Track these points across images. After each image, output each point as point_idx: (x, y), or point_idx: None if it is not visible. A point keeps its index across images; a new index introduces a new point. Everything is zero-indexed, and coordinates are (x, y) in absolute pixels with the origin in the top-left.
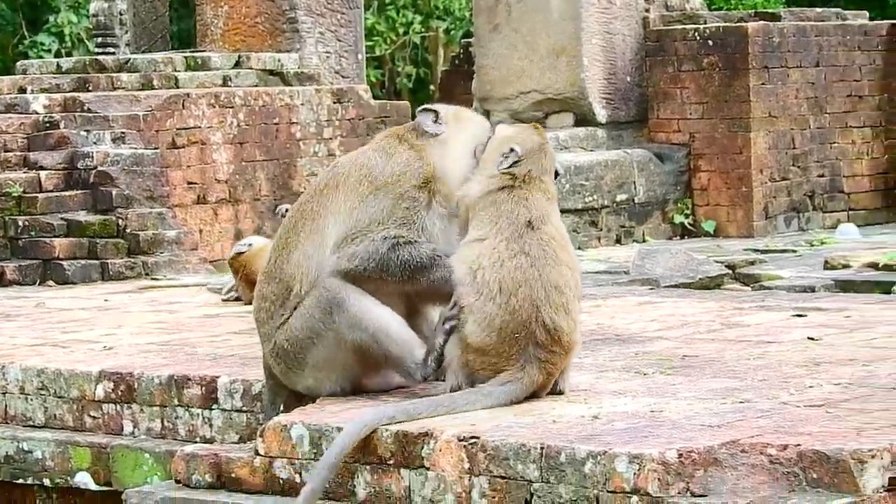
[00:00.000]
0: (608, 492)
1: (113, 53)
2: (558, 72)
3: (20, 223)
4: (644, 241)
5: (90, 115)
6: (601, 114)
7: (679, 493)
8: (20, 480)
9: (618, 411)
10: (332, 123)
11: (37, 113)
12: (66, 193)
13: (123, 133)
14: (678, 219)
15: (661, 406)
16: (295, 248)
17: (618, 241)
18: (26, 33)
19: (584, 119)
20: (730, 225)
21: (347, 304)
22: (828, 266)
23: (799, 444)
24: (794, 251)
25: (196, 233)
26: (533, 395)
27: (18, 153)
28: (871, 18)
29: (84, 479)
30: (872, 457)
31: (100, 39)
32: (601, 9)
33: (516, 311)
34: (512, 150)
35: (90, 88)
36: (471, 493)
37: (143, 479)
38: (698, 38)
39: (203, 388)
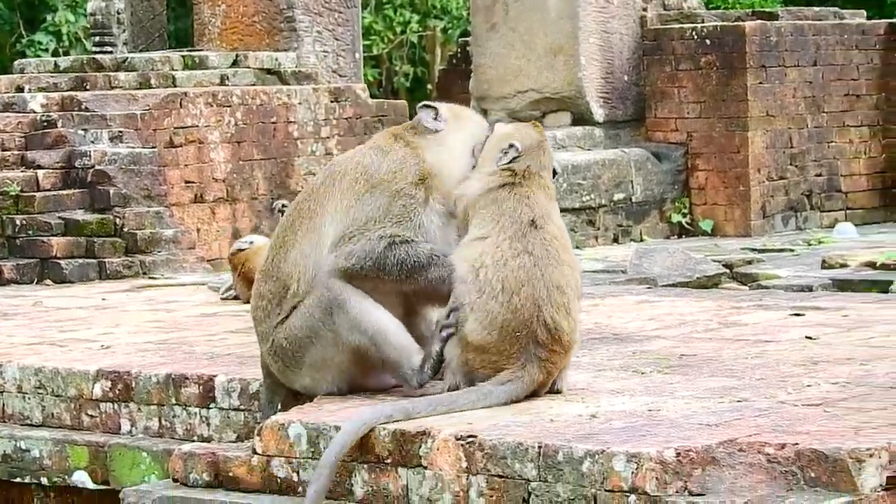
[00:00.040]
0: (606, 491)
1: (110, 52)
2: (556, 71)
3: (18, 222)
4: (641, 240)
5: (88, 114)
6: (598, 113)
7: (677, 492)
8: (18, 479)
9: (615, 410)
10: (330, 122)
11: (34, 112)
12: (64, 192)
13: (121, 132)
14: (676, 218)
15: (659, 405)
16: (292, 247)
17: (615, 240)
18: (24, 32)
19: (581, 118)
20: (727, 224)
21: (348, 306)
22: (825, 265)
23: (797, 443)
24: (792, 250)
25: (193, 232)
26: (532, 394)
27: (16, 152)
28: (868, 17)
29: (81, 478)
30: (870, 456)
31: (97, 38)
32: (599, 8)
33: (518, 309)
34: (511, 145)
35: (88, 87)
36: (468, 492)
37: (140, 477)
38: (696, 37)
39: (200, 387)
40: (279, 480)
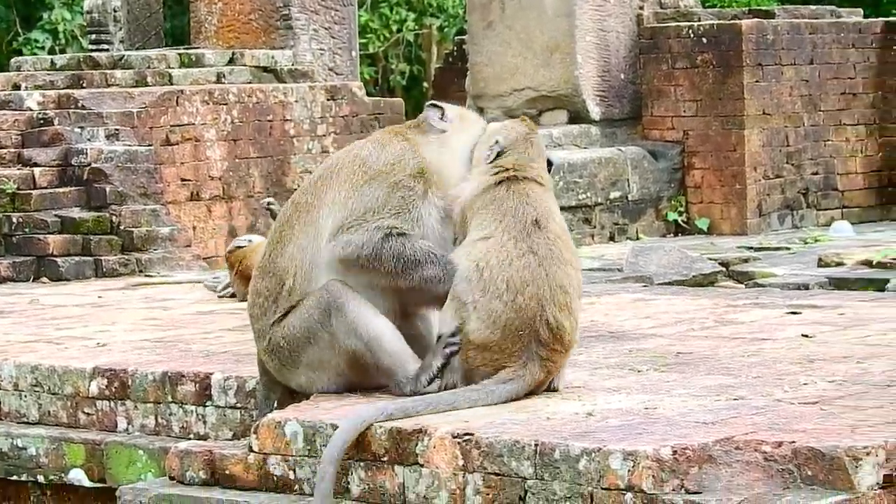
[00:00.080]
0: (602, 489)
1: (107, 50)
2: (552, 69)
3: (14, 220)
4: (638, 238)
5: (84, 111)
6: (595, 111)
7: (673, 490)
8: (14, 477)
9: (612, 408)
10: (326, 120)
11: (31, 110)
12: (60, 190)
13: (117, 130)
14: (672, 216)
15: (656, 403)
16: (289, 242)
17: (611, 238)
18: (20, 30)
19: (577, 116)
20: (723, 222)
21: (346, 310)
22: (822, 263)
23: (793, 442)
24: (788, 249)
25: (190, 229)
26: (530, 392)
27: (12, 150)
28: (865, 16)
29: (78, 476)
30: (867, 454)
31: (94, 36)
32: (595, 6)
33: (522, 308)
34: (496, 141)
35: (84, 85)
36: (465, 490)
37: (136, 475)
38: (692, 35)
39: (197, 385)
40: (276, 478)
